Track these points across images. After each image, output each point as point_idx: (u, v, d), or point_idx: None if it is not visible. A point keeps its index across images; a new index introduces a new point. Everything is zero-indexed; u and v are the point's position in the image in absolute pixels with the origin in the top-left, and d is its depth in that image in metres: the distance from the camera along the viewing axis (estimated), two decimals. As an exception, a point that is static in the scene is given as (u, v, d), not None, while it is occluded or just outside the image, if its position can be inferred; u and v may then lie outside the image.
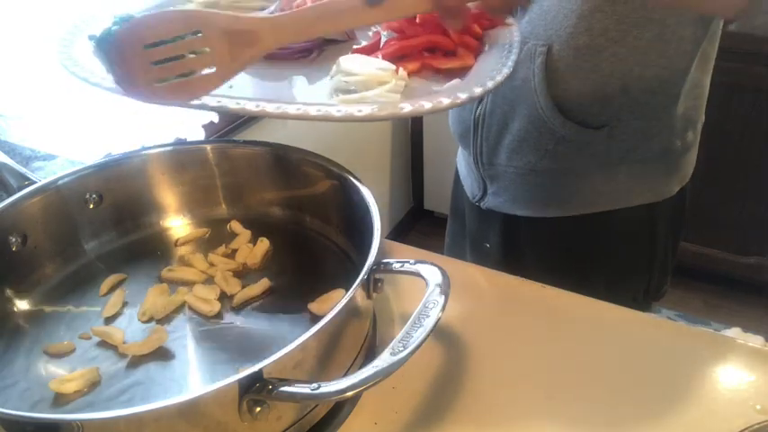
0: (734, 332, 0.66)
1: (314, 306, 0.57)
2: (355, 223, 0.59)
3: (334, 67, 0.56)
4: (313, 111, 0.50)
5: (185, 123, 1.18)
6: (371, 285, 0.51)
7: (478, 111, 0.81)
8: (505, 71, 0.54)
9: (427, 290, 0.46)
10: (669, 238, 0.85)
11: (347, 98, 0.53)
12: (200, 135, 1.20)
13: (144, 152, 0.68)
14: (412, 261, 0.50)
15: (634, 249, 0.84)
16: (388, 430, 0.50)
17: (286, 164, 0.67)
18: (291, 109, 0.50)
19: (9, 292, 0.59)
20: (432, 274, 0.48)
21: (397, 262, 0.50)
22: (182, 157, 0.69)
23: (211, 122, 1.24)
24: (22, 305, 0.60)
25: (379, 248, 0.51)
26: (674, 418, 0.49)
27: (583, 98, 0.72)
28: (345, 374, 0.41)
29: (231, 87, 0.53)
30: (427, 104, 0.49)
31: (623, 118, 0.73)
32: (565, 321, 0.59)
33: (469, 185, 0.91)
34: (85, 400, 0.50)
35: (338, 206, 0.63)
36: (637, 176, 0.77)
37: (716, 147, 1.73)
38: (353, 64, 0.55)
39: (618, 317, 0.59)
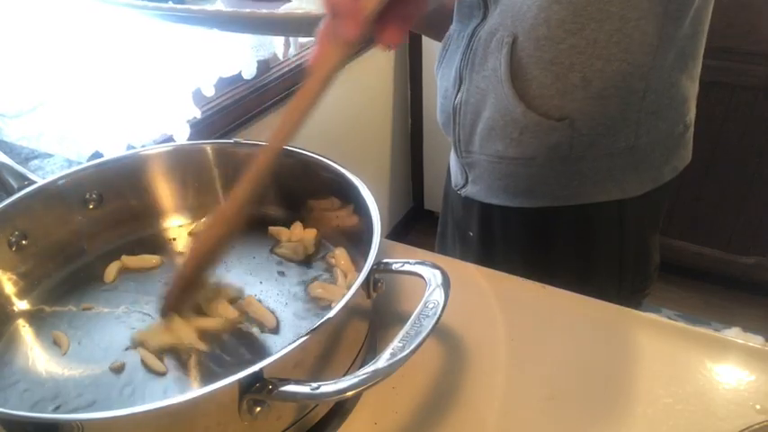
0: (734, 332, 0.66)
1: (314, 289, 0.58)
2: (355, 223, 0.59)
3: None
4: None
5: (171, 120, 1.18)
6: (371, 285, 0.51)
7: (456, 99, 0.82)
8: None
9: (427, 290, 0.46)
10: (641, 238, 0.84)
11: None
12: (185, 131, 1.20)
13: (144, 152, 0.68)
14: (412, 261, 0.50)
15: (602, 248, 0.84)
16: (388, 430, 0.50)
17: (286, 164, 0.67)
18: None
19: (9, 291, 0.59)
20: (432, 274, 0.48)
21: (397, 262, 0.50)
22: (182, 157, 0.69)
23: (194, 118, 1.24)
24: (22, 305, 0.60)
25: (379, 248, 0.51)
26: (674, 418, 0.49)
27: (544, 89, 0.73)
28: (345, 374, 0.41)
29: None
30: None
31: (585, 111, 0.73)
32: (565, 321, 0.59)
33: (454, 174, 0.93)
34: (85, 399, 0.50)
35: (338, 206, 0.63)
36: (602, 172, 0.77)
37: (716, 146, 1.74)
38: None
39: (618, 317, 0.59)
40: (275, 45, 1.47)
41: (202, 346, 0.53)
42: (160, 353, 0.53)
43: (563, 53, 0.70)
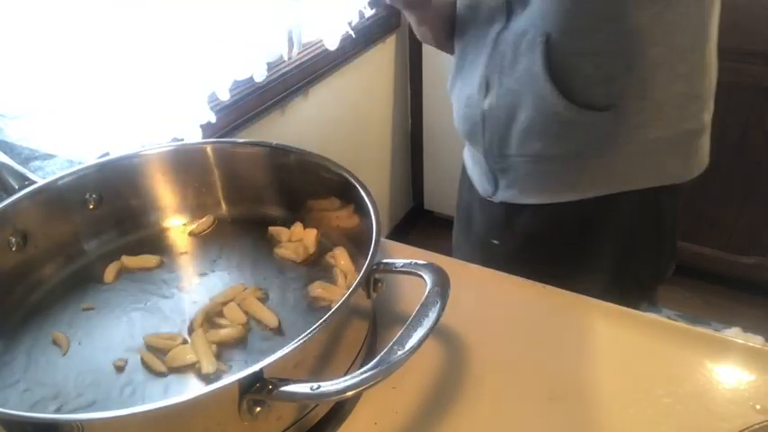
0: (734, 332, 0.66)
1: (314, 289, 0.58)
2: (355, 223, 0.59)
3: None
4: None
5: (183, 123, 1.18)
6: (371, 285, 0.51)
7: (485, 105, 0.82)
8: None
9: (427, 290, 0.46)
10: (676, 221, 0.85)
11: None
12: (197, 135, 1.20)
13: (144, 152, 0.68)
14: (412, 261, 0.50)
15: (643, 232, 0.84)
16: (388, 430, 0.50)
17: (286, 164, 0.67)
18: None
19: (9, 291, 0.59)
20: (432, 274, 0.48)
21: (397, 262, 0.50)
22: (182, 157, 0.69)
23: (209, 122, 1.24)
24: (22, 305, 0.60)
25: (379, 248, 0.51)
26: (674, 418, 0.49)
27: (587, 79, 0.73)
28: (345, 374, 0.41)
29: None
30: None
31: (630, 97, 0.73)
32: (565, 321, 0.59)
33: (480, 182, 0.92)
34: (85, 399, 0.50)
35: (338, 206, 0.63)
36: (648, 158, 0.77)
37: (715, 146, 1.74)
38: None
39: (618, 317, 0.59)
40: (281, 45, 1.47)
41: (222, 367, 0.52)
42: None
43: (603, 41, 0.70)
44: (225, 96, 1.31)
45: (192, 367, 0.52)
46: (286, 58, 1.51)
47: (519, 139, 0.80)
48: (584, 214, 0.83)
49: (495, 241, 0.92)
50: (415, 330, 0.42)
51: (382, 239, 0.53)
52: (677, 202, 0.83)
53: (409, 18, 0.89)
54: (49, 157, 0.87)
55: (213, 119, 1.25)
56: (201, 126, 1.22)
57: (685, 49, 0.72)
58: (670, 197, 0.82)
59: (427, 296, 0.45)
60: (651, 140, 0.76)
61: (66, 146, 0.93)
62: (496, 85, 0.80)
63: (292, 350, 0.42)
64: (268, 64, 1.43)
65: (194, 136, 1.19)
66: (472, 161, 0.94)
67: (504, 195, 0.87)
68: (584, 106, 0.74)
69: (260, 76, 1.39)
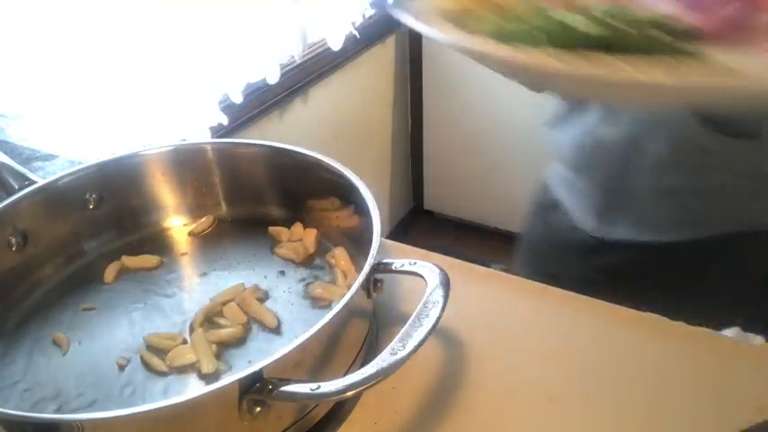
0: (734, 332, 0.66)
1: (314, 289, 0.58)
2: (355, 223, 0.59)
3: None
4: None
5: (190, 124, 1.18)
6: (371, 285, 0.51)
7: (607, 134, 0.75)
8: None
9: (427, 290, 0.46)
10: None
11: None
12: (206, 136, 1.20)
13: (144, 152, 0.68)
14: (412, 261, 0.50)
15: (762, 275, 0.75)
16: (388, 430, 0.50)
17: (286, 164, 0.67)
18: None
19: (9, 291, 0.59)
20: (432, 274, 0.48)
21: (397, 262, 0.50)
22: (182, 157, 0.69)
23: (219, 124, 1.24)
24: (22, 305, 0.60)
25: (379, 248, 0.51)
26: (674, 418, 0.49)
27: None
28: (345, 374, 0.41)
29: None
30: None
31: None
32: (565, 321, 0.59)
33: (585, 218, 0.83)
34: (86, 399, 0.50)
35: (338, 206, 0.63)
36: None
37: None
38: None
39: (618, 317, 0.59)
40: (291, 46, 1.46)
41: (222, 366, 0.52)
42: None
43: None
44: (238, 99, 1.30)
45: (192, 367, 0.52)
46: (297, 59, 1.51)
47: (650, 173, 0.72)
48: (703, 253, 0.74)
49: (597, 277, 0.82)
50: (416, 330, 0.42)
51: (382, 239, 0.53)
52: None
53: None
54: (50, 157, 0.87)
55: (225, 121, 1.25)
56: (211, 128, 1.22)
57: None
58: None
59: (427, 296, 0.45)
60: None
61: (68, 146, 0.93)
62: (623, 114, 0.72)
63: (292, 350, 0.42)
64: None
65: (204, 137, 1.19)
66: (572, 193, 0.85)
67: (619, 232, 0.79)
68: (730, 134, 0.65)
69: (273, 77, 1.39)
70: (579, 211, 0.85)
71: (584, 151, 0.79)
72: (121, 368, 0.53)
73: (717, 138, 0.66)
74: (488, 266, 0.67)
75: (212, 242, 0.68)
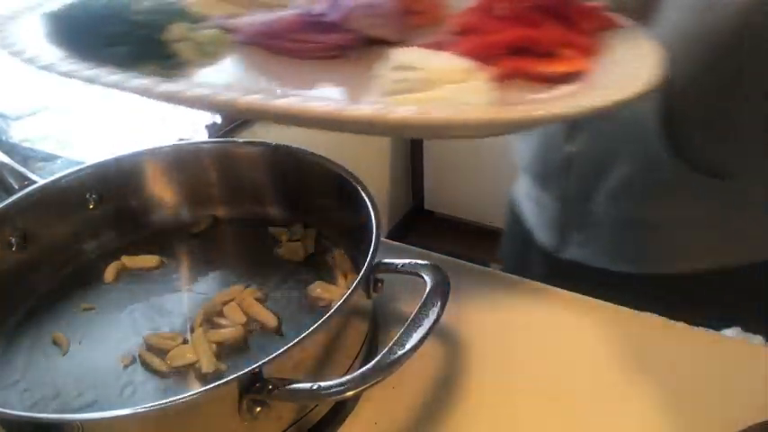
0: (734, 332, 0.66)
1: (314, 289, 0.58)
2: (355, 223, 0.59)
3: (383, 64, 0.43)
4: (367, 109, 0.37)
5: (188, 124, 1.18)
6: (371, 285, 0.51)
7: (570, 149, 0.69)
8: (646, 78, 0.40)
9: (427, 290, 0.46)
10: None
11: (410, 98, 0.39)
12: (203, 136, 1.20)
13: (144, 152, 0.68)
14: (412, 261, 0.50)
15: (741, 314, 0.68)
16: (388, 430, 0.50)
17: (286, 164, 0.67)
18: (335, 105, 0.38)
19: (9, 291, 0.59)
20: (431, 274, 0.48)
21: (397, 262, 0.50)
22: (181, 157, 0.69)
23: (214, 123, 1.24)
24: (22, 305, 0.60)
25: (379, 248, 0.51)
26: (674, 418, 0.49)
27: (708, 142, 0.59)
28: (345, 374, 0.41)
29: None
30: (539, 111, 0.37)
31: (756, 163, 0.60)
32: (565, 321, 0.59)
33: (545, 233, 0.79)
34: (85, 399, 0.50)
35: (338, 206, 0.63)
36: (761, 226, 0.65)
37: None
38: (412, 56, 0.42)
39: (618, 317, 0.59)
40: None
41: (222, 366, 0.52)
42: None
43: (741, 102, 0.54)
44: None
45: (192, 367, 0.52)
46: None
47: (609, 195, 0.67)
48: (670, 290, 0.68)
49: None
50: (415, 330, 0.42)
51: (382, 239, 0.53)
52: None
53: None
54: (50, 157, 0.87)
55: (219, 119, 1.25)
56: (207, 126, 1.22)
57: None
58: None
59: (427, 296, 0.45)
60: None
61: (69, 147, 0.93)
62: (588, 129, 0.67)
63: (292, 350, 0.42)
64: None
65: (200, 136, 1.19)
66: (535, 206, 0.80)
67: (577, 254, 0.75)
68: (699, 170, 0.59)
69: None
70: (538, 225, 0.81)
71: (547, 166, 0.75)
72: (126, 366, 0.53)
73: (684, 170, 0.61)
74: (488, 266, 0.67)
75: (212, 242, 0.68)
